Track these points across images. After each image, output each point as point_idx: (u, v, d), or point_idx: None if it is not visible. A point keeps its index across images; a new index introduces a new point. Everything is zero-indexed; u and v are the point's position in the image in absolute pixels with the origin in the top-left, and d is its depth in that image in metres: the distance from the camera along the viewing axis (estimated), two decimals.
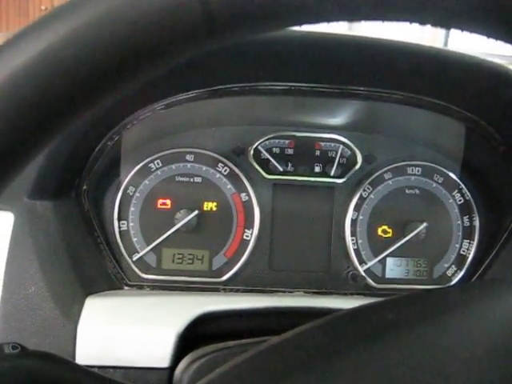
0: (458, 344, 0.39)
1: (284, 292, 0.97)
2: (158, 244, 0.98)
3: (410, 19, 0.33)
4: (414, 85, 0.78)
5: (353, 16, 0.33)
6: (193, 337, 0.78)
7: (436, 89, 0.79)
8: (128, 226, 0.98)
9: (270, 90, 0.79)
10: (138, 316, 0.78)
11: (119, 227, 0.97)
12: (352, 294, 0.99)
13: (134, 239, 0.98)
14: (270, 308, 0.83)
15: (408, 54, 0.71)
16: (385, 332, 0.39)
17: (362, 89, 0.79)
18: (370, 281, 1.01)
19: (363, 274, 1.00)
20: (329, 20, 0.33)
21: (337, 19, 0.33)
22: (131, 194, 0.98)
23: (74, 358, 0.73)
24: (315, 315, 0.43)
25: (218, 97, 0.80)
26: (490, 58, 0.75)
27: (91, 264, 0.87)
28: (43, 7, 5.33)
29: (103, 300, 0.80)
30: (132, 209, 0.98)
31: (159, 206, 0.99)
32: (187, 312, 0.78)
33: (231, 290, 0.97)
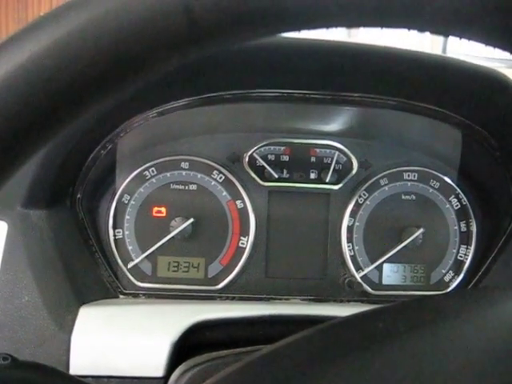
0: (453, 354, 0.38)
1: (280, 299, 0.97)
2: (153, 252, 0.98)
3: (408, 26, 0.32)
4: (408, 91, 0.78)
5: (347, 22, 0.32)
6: (188, 345, 0.77)
7: (431, 95, 0.78)
8: (123, 234, 0.97)
9: (262, 97, 0.79)
10: (133, 325, 0.77)
11: (114, 235, 0.97)
12: (349, 301, 0.98)
13: (129, 247, 0.98)
14: (266, 316, 0.82)
15: (402, 60, 0.71)
16: (377, 341, 0.39)
17: (355, 95, 0.79)
18: (366, 287, 1.01)
19: (360, 281, 0.99)
20: (318, 27, 0.32)
21: (328, 26, 0.32)
22: (126, 202, 0.98)
23: (67, 367, 0.72)
24: (312, 323, 0.43)
25: (210, 104, 0.79)
26: (488, 62, 0.75)
27: (86, 273, 0.86)
28: (42, 14, 5.33)
29: (97, 309, 0.79)
30: (127, 217, 0.98)
31: (154, 213, 0.98)
32: (182, 320, 0.77)
33: (227, 298, 0.97)
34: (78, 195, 0.88)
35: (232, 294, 0.98)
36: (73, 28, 0.28)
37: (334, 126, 1.00)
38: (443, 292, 1.02)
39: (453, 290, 1.03)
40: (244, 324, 0.82)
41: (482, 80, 0.74)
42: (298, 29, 0.32)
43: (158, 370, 0.73)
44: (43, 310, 0.75)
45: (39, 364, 0.53)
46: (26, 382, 0.50)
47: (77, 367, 0.72)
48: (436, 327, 0.40)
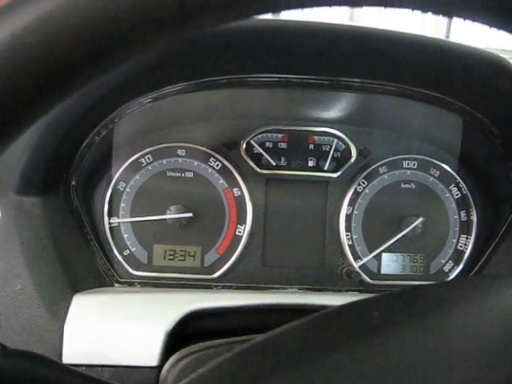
0: (449, 344, 0.37)
1: (277, 289, 0.96)
2: (149, 240, 0.97)
3: (412, 6, 0.31)
4: (408, 76, 0.76)
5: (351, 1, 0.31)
6: (184, 335, 0.76)
7: (432, 80, 0.76)
8: (118, 221, 0.97)
9: (259, 82, 0.77)
10: (127, 313, 0.76)
11: (109, 223, 0.96)
12: (347, 291, 0.97)
13: (125, 235, 0.97)
14: (263, 305, 0.81)
15: (403, 44, 0.69)
16: (371, 331, 0.37)
17: (353, 80, 0.77)
18: (365, 277, 1.00)
19: (358, 270, 0.99)
20: (318, 6, 0.31)
21: (329, 4, 0.31)
22: (122, 189, 0.97)
23: (60, 356, 0.71)
24: (309, 312, 0.42)
25: (205, 89, 0.78)
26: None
27: (80, 261, 0.85)
28: None
29: (91, 297, 0.78)
30: (123, 204, 0.97)
31: (150, 201, 0.97)
32: (177, 309, 0.76)
33: (223, 287, 0.96)
34: (73, 182, 0.86)
35: (228, 282, 0.97)
36: (57, 4, 0.27)
37: (332, 113, 0.98)
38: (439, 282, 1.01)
39: (453, 279, 1.02)
40: (240, 313, 0.81)
41: (485, 65, 0.72)
42: (299, 6, 0.31)
43: (152, 360, 0.72)
44: (36, 298, 0.74)
45: (30, 352, 0.51)
46: (16, 371, 0.49)
47: (70, 356, 0.72)
48: (434, 316, 0.39)
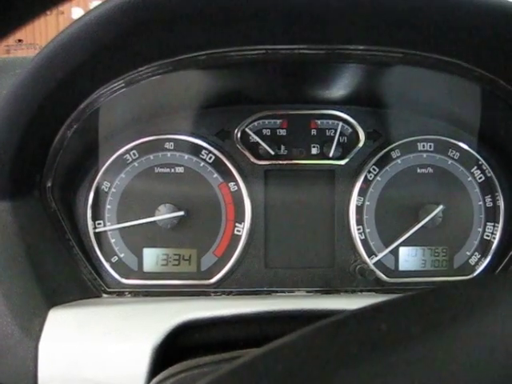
0: (480, 360, 0.28)
1: (283, 292, 0.90)
2: (138, 244, 0.92)
3: None
4: (416, 39, 0.67)
5: None
6: (177, 349, 0.69)
7: (444, 42, 0.67)
8: (104, 225, 0.91)
9: (243, 57, 0.69)
10: (109, 328, 0.70)
11: (94, 228, 0.91)
12: (361, 291, 0.91)
13: (112, 240, 0.92)
14: (267, 312, 0.74)
15: None
16: (377, 350, 0.28)
17: (354, 48, 0.68)
18: (380, 275, 0.93)
19: (373, 268, 0.93)
20: None
21: None
22: (106, 189, 0.91)
23: (35, 379, 0.66)
24: (319, 318, 0.35)
25: (183, 69, 0.70)
26: None
27: (60, 271, 0.80)
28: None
29: (69, 311, 0.72)
30: (108, 206, 0.92)
31: (138, 201, 0.92)
32: (167, 321, 0.70)
33: (223, 293, 0.90)
34: (48, 184, 0.80)
35: (228, 288, 0.91)
36: None
37: (335, 92, 0.91)
38: (468, 277, 0.94)
39: (479, 274, 0.95)
40: (241, 323, 0.74)
41: (506, 20, 0.62)
42: None
43: (139, 380, 0.66)
44: (6, 315, 0.69)
45: None
46: None
47: (46, 378, 0.67)
48: (456, 327, 0.30)
